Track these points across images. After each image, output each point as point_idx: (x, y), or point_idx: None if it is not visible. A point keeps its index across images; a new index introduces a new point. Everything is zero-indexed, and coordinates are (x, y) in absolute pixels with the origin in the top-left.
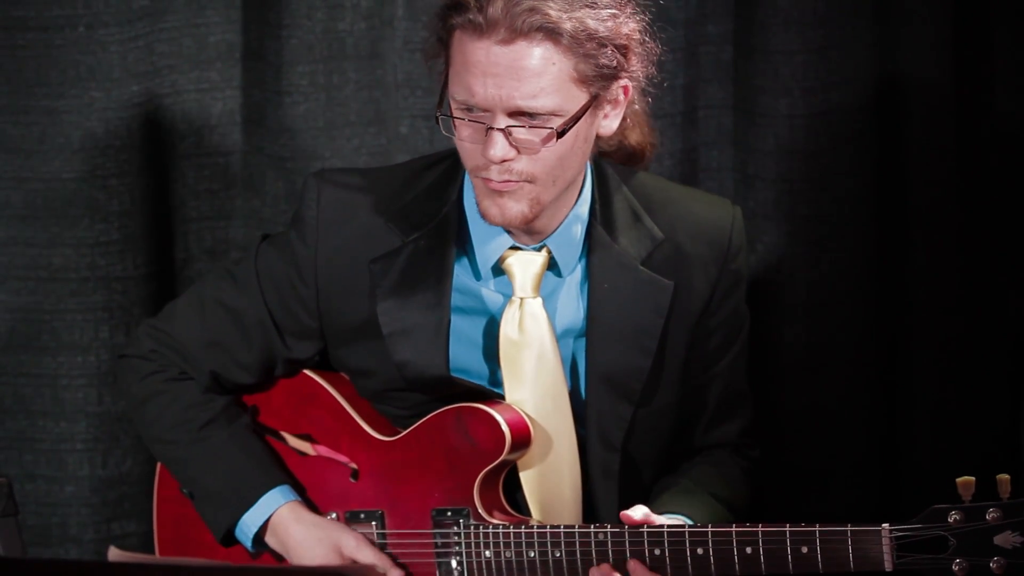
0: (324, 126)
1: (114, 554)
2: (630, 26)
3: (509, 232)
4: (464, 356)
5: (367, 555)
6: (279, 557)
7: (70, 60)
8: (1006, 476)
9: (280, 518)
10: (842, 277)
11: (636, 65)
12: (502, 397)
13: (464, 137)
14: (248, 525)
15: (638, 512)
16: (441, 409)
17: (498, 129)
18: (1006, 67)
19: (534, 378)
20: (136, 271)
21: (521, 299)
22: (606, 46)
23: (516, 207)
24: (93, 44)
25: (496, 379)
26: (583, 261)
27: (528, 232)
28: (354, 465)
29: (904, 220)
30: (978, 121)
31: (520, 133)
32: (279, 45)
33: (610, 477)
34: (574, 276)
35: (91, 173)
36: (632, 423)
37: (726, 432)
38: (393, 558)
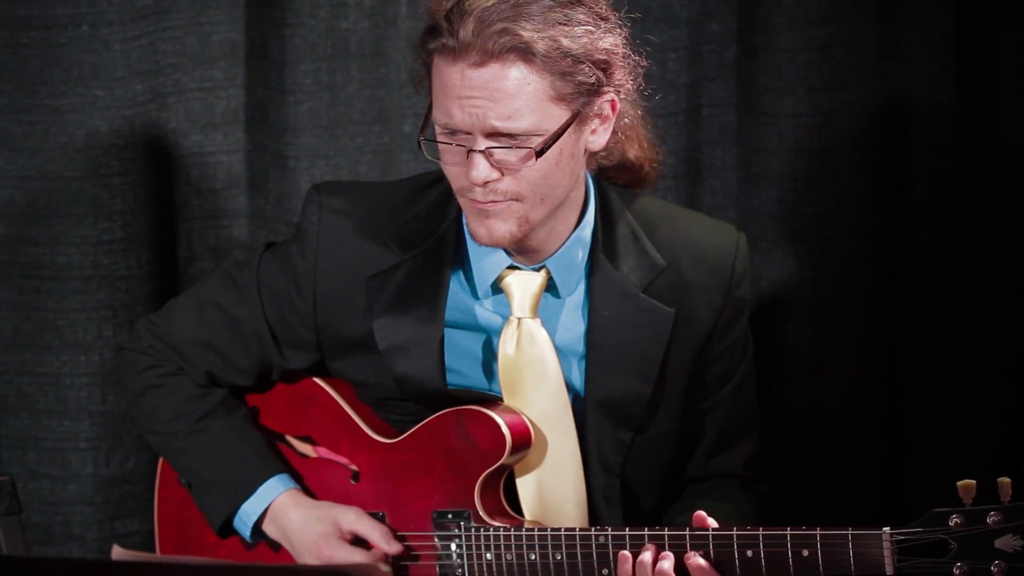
0: (327, 125)
1: (118, 552)
2: (609, 41)
3: (507, 252)
4: (463, 370)
5: (365, 526)
6: (276, 547)
7: (74, 59)
8: (1007, 479)
9: (279, 505)
10: (845, 276)
11: (622, 78)
12: (502, 399)
13: (448, 160)
14: (248, 514)
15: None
16: (442, 412)
17: (478, 151)
18: (1010, 66)
19: (535, 398)
20: (139, 269)
21: (519, 319)
22: (583, 63)
23: (504, 227)
24: (97, 43)
25: (494, 391)
26: (583, 285)
27: (525, 252)
28: (355, 467)
29: (907, 219)
30: (982, 120)
31: (500, 154)
32: (282, 44)
33: (612, 501)
34: (574, 298)
35: (94, 172)
36: (630, 448)
37: (730, 461)
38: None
